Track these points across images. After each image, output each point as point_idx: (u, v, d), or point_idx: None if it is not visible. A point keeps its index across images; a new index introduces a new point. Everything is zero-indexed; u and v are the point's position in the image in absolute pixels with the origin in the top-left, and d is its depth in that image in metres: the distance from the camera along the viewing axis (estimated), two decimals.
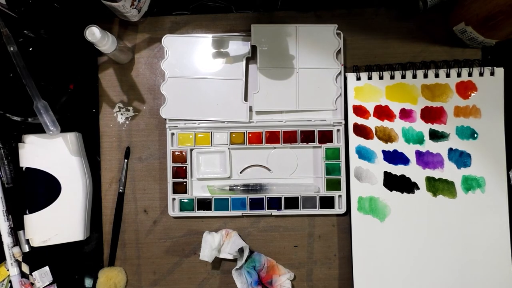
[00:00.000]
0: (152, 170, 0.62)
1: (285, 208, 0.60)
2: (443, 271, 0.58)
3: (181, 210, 0.61)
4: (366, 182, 0.59)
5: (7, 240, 0.59)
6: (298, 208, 0.60)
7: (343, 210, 0.60)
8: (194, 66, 0.60)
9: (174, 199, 0.61)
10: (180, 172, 0.61)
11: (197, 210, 0.61)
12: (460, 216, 0.58)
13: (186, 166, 0.61)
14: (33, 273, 0.61)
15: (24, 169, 0.59)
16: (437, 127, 0.59)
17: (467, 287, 0.58)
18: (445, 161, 0.59)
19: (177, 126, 0.60)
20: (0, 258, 0.60)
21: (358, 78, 0.60)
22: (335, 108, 0.60)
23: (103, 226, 0.62)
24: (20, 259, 0.60)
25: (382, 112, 0.59)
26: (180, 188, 0.61)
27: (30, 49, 0.56)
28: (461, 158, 0.58)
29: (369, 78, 0.60)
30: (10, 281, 0.60)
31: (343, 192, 0.60)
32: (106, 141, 0.62)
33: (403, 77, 0.59)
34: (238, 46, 0.60)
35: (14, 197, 0.61)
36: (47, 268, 0.61)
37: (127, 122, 0.62)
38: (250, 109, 0.60)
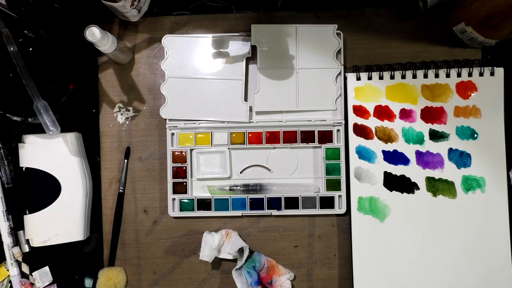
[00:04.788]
0: (152, 170, 0.62)
1: (285, 208, 0.60)
2: (443, 271, 0.58)
3: (181, 210, 0.61)
4: (366, 182, 0.59)
5: (7, 240, 0.59)
6: (298, 208, 0.60)
7: (343, 210, 0.60)
8: (194, 66, 0.60)
9: (174, 199, 0.61)
10: (180, 172, 0.61)
11: (197, 210, 0.61)
12: (460, 216, 0.58)
13: (186, 166, 0.61)
14: (33, 273, 0.61)
15: (24, 169, 0.59)
16: (437, 127, 0.59)
17: (467, 287, 0.58)
18: (445, 161, 0.59)
19: (177, 126, 0.60)
20: (0, 258, 0.60)
21: (358, 78, 0.60)
22: (335, 108, 0.60)
23: (103, 226, 0.62)
24: (20, 259, 0.60)
25: (382, 112, 0.59)
26: (180, 188, 0.61)
27: (30, 49, 0.56)
28: (461, 158, 0.58)
29: (369, 78, 0.60)
30: (10, 281, 0.60)
31: (343, 192, 0.60)
32: (106, 141, 0.62)
33: (403, 77, 0.59)
34: (238, 46, 0.60)
35: (14, 197, 0.61)
36: (47, 268, 0.61)
37: (127, 122, 0.62)
38: (250, 109, 0.60)
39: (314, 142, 0.60)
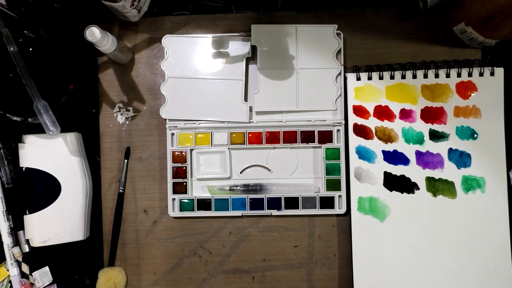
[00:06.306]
0: (152, 170, 0.62)
1: (285, 208, 0.60)
2: (443, 271, 0.58)
3: (181, 210, 0.61)
4: (366, 182, 0.59)
5: (7, 240, 0.59)
6: (298, 208, 0.60)
7: (343, 210, 0.60)
8: (194, 66, 0.60)
9: (174, 199, 0.61)
10: (180, 172, 0.61)
11: (197, 210, 0.61)
12: (460, 216, 0.58)
13: (186, 166, 0.61)
14: (33, 273, 0.61)
15: (24, 169, 0.59)
16: (437, 127, 0.59)
17: (467, 287, 0.58)
18: (445, 161, 0.59)
19: (177, 126, 0.60)
20: (0, 258, 0.60)
21: (358, 78, 0.60)
22: (335, 108, 0.60)
23: (103, 226, 0.62)
24: (20, 259, 0.60)
25: (382, 112, 0.59)
26: (180, 188, 0.61)
27: (30, 49, 0.56)
28: (461, 158, 0.58)
29: (369, 78, 0.60)
30: (10, 281, 0.60)
31: (343, 192, 0.60)
32: (106, 141, 0.62)
33: (403, 77, 0.59)
34: (238, 46, 0.60)
35: (14, 197, 0.61)
36: (47, 268, 0.61)
37: (127, 122, 0.62)
38: (250, 109, 0.60)
39: (314, 142, 0.60)
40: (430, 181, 0.59)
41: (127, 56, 0.61)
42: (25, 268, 0.61)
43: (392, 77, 0.59)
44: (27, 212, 0.58)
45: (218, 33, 0.61)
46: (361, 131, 0.60)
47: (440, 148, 0.59)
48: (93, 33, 0.50)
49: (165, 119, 0.60)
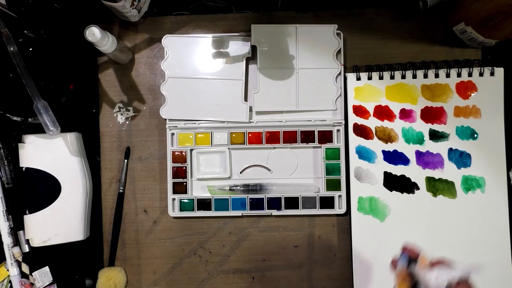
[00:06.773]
0: (152, 170, 0.62)
1: (285, 208, 0.60)
2: None
3: (181, 210, 0.61)
4: (366, 182, 0.59)
5: (7, 240, 0.59)
6: (298, 208, 0.60)
7: (343, 210, 0.60)
8: (194, 66, 0.60)
9: (174, 199, 0.61)
10: (180, 172, 0.61)
11: (197, 210, 0.61)
12: (460, 216, 0.58)
13: (186, 166, 0.61)
14: (33, 273, 0.61)
15: (24, 169, 0.59)
16: (437, 127, 0.59)
17: None
18: (445, 161, 0.59)
19: (177, 126, 0.60)
20: (0, 258, 0.60)
21: (358, 78, 0.60)
22: (335, 108, 0.60)
23: (103, 226, 0.62)
24: (20, 259, 0.60)
25: (382, 112, 0.59)
26: (180, 188, 0.61)
27: (30, 49, 0.56)
28: (461, 158, 0.58)
29: (369, 78, 0.59)
30: (10, 281, 0.60)
31: (343, 192, 0.60)
32: (106, 141, 0.62)
33: (403, 77, 0.59)
34: (238, 46, 0.60)
35: (14, 197, 0.61)
36: (47, 268, 0.61)
37: (127, 122, 0.62)
38: (250, 109, 0.60)
39: (314, 142, 0.60)
40: (430, 181, 0.59)
41: (127, 56, 0.61)
42: (25, 268, 0.61)
43: (392, 77, 0.59)
44: (27, 212, 0.58)
45: (218, 33, 0.61)
46: (361, 131, 0.60)
47: (440, 148, 0.59)
48: (93, 33, 0.50)
49: (165, 119, 0.60)
